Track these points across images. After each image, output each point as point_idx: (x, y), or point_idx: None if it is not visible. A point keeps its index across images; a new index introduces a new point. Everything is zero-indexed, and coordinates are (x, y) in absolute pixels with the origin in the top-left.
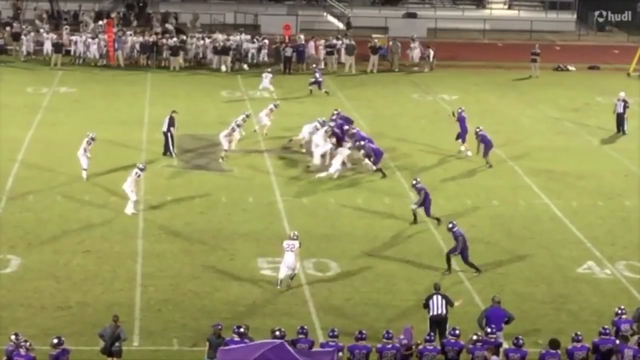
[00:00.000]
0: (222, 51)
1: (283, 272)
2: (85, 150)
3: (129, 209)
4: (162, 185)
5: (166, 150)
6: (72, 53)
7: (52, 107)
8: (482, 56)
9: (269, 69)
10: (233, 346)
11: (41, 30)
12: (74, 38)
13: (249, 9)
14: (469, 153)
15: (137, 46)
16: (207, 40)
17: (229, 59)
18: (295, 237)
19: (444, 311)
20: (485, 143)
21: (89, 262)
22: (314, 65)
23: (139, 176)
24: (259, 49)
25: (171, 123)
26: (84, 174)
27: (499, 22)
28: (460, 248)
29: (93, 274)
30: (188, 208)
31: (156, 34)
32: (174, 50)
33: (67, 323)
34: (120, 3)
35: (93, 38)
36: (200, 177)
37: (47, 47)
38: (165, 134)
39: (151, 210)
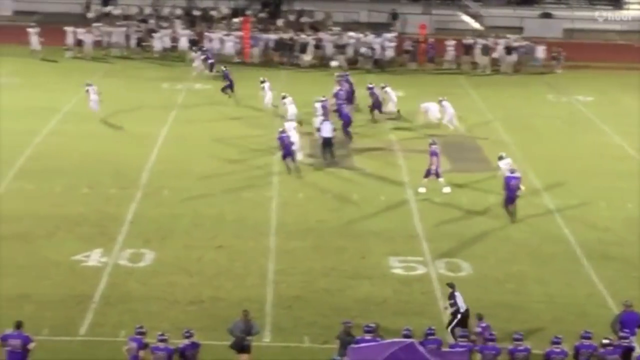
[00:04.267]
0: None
1: None
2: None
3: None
4: (294, 182)
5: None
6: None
7: (187, 103)
8: (617, 57)
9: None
10: (363, 344)
11: (177, 27)
12: (209, 35)
13: (384, 7)
14: (447, 189)
15: (272, 43)
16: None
17: (342, 57)
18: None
19: None
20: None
21: (221, 257)
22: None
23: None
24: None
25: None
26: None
27: (636, 22)
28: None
29: (225, 270)
30: (320, 205)
31: (292, 31)
32: (303, 48)
33: (199, 317)
34: (255, 1)
35: (228, 35)
36: (333, 175)
37: (183, 43)
38: (329, 139)
39: (283, 207)
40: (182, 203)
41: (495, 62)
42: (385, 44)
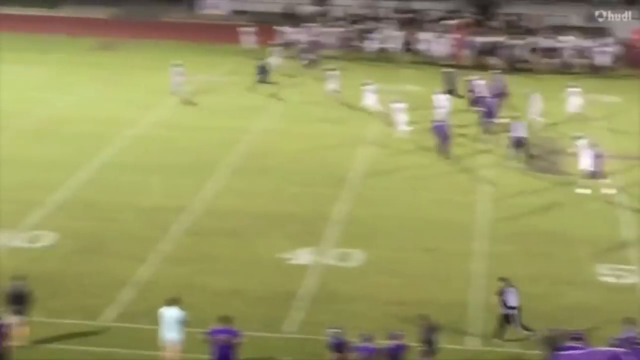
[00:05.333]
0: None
1: None
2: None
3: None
4: (506, 186)
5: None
6: (418, 51)
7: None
8: None
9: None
10: (569, 352)
11: (389, 28)
12: (422, 36)
13: (597, 11)
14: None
15: (484, 46)
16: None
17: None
18: None
19: None
20: None
21: (428, 259)
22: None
23: None
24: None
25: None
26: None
27: None
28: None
29: (431, 272)
30: (529, 210)
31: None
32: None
33: (405, 319)
34: (469, 3)
35: (441, 37)
36: (542, 180)
37: (395, 44)
38: (517, 139)
39: (491, 211)
40: (390, 204)
41: None
42: (600, 49)
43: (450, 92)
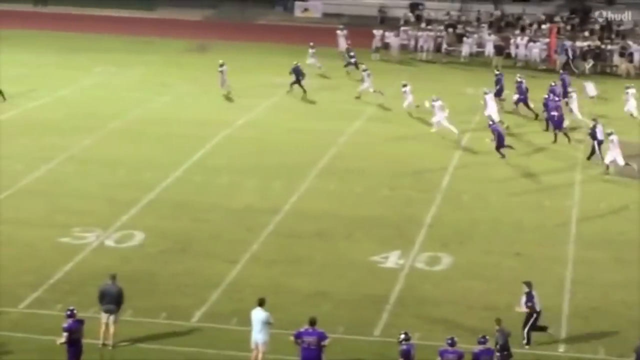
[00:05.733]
0: None
1: None
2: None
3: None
4: (596, 192)
5: (590, 156)
6: (512, 55)
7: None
8: None
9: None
10: None
11: (483, 32)
12: (515, 41)
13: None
14: None
15: (578, 51)
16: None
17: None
18: None
19: None
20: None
21: (518, 264)
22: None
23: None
24: None
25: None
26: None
27: None
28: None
29: (522, 277)
30: (621, 216)
31: (599, 39)
32: (584, 55)
33: (494, 324)
34: (564, 8)
35: (534, 41)
36: (625, 184)
37: (489, 49)
38: (600, 142)
39: (584, 217)
40: (481, 208)
41: None
42: None
43: (498, 92)
